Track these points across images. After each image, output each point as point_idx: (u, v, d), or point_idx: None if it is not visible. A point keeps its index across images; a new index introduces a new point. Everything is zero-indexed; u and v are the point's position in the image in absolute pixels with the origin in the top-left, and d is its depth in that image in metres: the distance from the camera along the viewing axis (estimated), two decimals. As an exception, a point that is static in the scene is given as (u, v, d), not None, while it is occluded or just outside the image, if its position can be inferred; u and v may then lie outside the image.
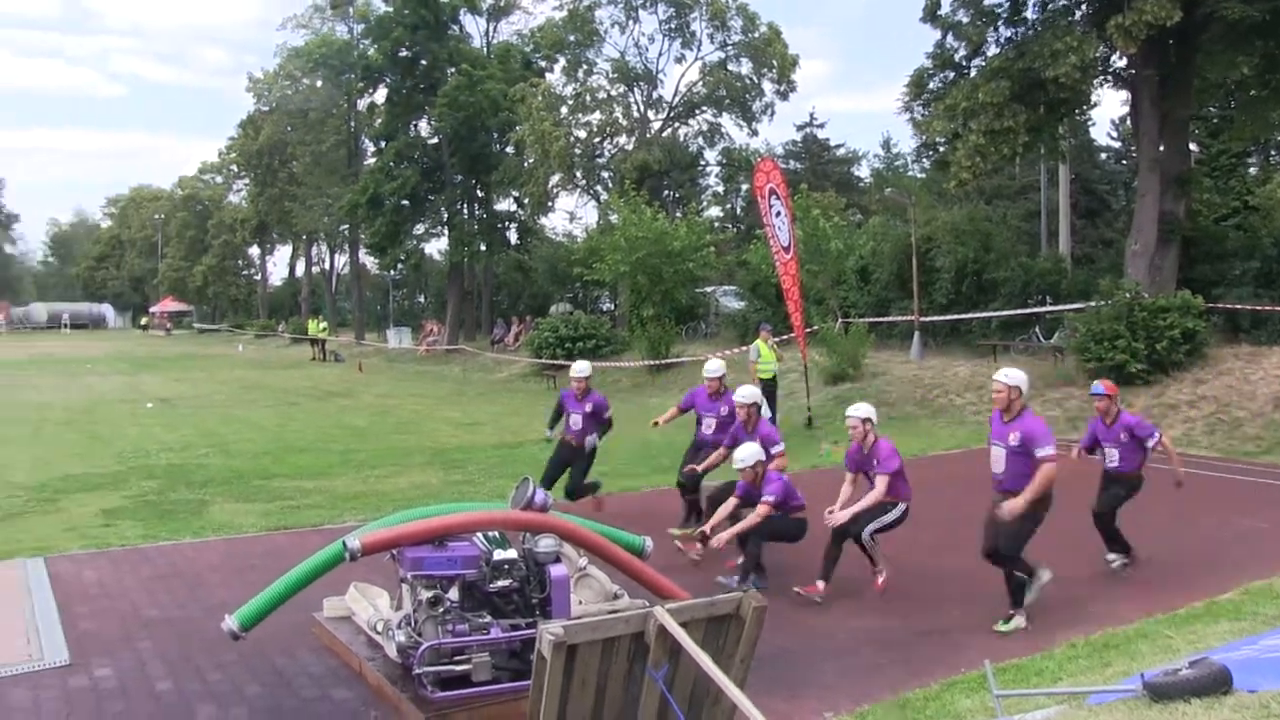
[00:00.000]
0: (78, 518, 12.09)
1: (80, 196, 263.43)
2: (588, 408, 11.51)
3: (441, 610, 6.55)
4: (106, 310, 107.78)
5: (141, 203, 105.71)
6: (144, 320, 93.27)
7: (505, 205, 50.15)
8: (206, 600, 8.42)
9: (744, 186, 45.60)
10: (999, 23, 22.10)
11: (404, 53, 45.63)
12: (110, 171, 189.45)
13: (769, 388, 18.74)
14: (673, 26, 40.13)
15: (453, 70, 44.43)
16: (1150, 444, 9.27)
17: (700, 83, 40.82)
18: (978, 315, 24.59)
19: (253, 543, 10.73)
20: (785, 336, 23.49)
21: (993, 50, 22.12)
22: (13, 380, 33.89)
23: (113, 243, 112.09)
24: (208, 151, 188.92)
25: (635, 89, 41.15)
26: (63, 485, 14.26)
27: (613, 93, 41.07)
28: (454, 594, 6.70)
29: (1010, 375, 8.12)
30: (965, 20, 22.32)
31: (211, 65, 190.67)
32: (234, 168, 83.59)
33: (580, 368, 11.68)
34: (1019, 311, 23.93)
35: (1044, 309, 23.98)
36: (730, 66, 40.52)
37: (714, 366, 11.47)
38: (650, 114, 41.41)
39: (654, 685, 5.06)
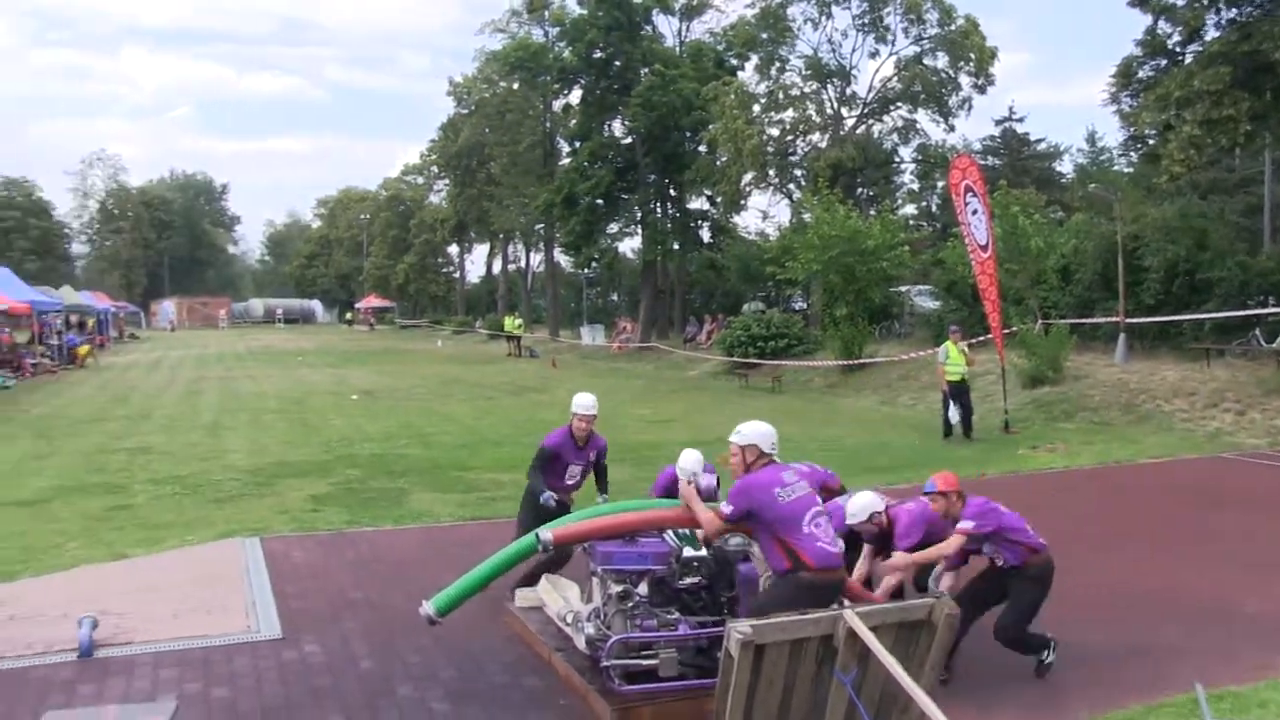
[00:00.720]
0: (289, 502, 12.80)
1: (293, 198, 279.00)
2: (591, 455, 8.83)
3: (630, 605, 6.63)
4: (316, 306, 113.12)
5: (349, 204, 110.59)
6: (349, 316, 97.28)
7: (698, 204, 50.43)
8: (405, 585, 8.75)
9: (940, 184, 44.42)
10: (1220, 4, 20.85)
11: (598, 54, 46.33)
12: (320, 174, 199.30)
13: (958, 390, 18.32)
14: (866, 21, 39.41)
15: (646, 70, 44.90)
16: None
17: (895, 78, 39.97)
18: (1190, 317, 23.28)
19: (449, 531, 11.10)
20: (982, 337, 22.86)
21: (1211, 34, 20.91)
22: (232, 372, 35.96)
23: (322, 242, 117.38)
24: (410, 154, 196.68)
25: (828, 86, 40.66)
26: (276, 471, 15.11)
27: (805, 90, 40.67)
28: (643, 589, 6.77)
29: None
30: (1180, 3, 21.18)
31: (414, 70, 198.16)
32: (435, 169, 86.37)
33: (587, 403, 8.71)
34: (1237, 313, 22.52)
35: (1266, 311, 22.53)
36: (926, 61, 39.51)
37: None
38: (844, 111, 40.86)
39: (842, 689, 5.02)
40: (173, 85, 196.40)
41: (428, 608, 6.68)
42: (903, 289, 34.78)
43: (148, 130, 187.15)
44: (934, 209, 48.68)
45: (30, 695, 6.52)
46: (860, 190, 42.83)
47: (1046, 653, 6.76)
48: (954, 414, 18.34)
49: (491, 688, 6.70)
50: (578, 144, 49.82)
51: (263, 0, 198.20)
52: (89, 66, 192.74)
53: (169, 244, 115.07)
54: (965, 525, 6.78)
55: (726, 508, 6.14)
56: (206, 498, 13.26)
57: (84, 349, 42.47)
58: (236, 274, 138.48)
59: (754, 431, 6.40)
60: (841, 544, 6.34)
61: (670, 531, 7.13)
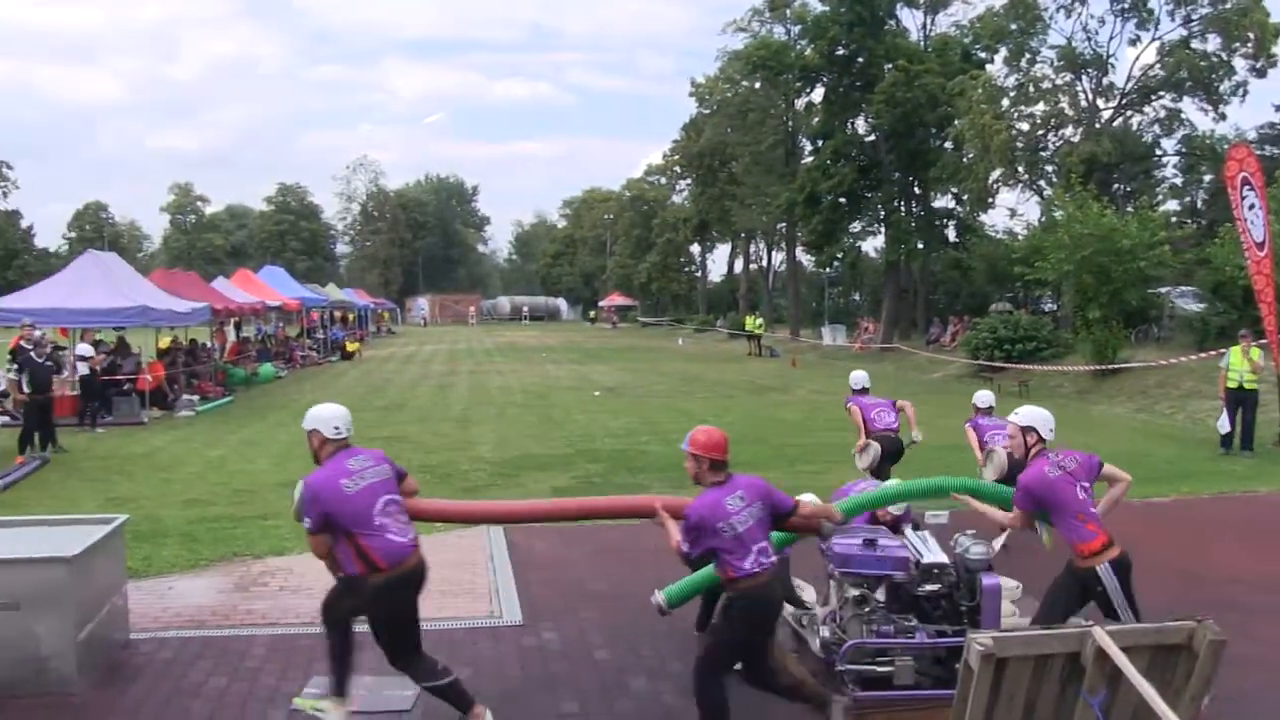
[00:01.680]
0: (532, 493, 13.26)
1: (539, 199, 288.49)
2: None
3: (867, 609, 6.58)
4: (561, 304, 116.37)
5: (593, 204, 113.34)
6: (593, 314, 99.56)
7: (943, 202, 49.11)
8: (642, 578, 8.89)
9: (1207, 177, 41.73)
10: None
11: (841, 51, 45.85)
12: (565, 175, 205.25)
13: (1238, 397, 17.12)
14: (1126, 6, 37.28)
15: (890, 66, 44.07)
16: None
17: (1157, 65, 37.64)
18: None
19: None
20: (1260, 342, 21.34)
21: None
22: (480, 366, 37.43)
23: (567, 241, 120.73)
24: (653, 154, 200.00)
25: (1083, 76, 38.77)
26: (521, 463, 15.69)
27: (1058, 81, 38.92)
28: (881, 594, 6.70)
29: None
30: None
31: (657, 72, 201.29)
32: (677, 169, 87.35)
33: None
34: None
35: None
36: (1194, 44, 37.04)
37: None
38: (1099, 102, 38.87)
39: (1089, 711, 4.80)
40: (429, 93, 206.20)
41: (659, 597, 6.80)
42: (1162, 290, 32.80)
43: (405, 136, 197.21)
44: (1199, 204, 45.61)
45: (300, 660, 7.11)
46: (1116, 186, 40.62)
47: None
48: (1223, 423, 17.21)
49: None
50: (820, 142, 49.42)
51: (513, 9, 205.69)
52: (353, 79, 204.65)
53: (423, 243, 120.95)
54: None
55: None
56: (455, 486, 13.91)
57: (354, 344, 45.20)
58: (485, 272, 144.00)
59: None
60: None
61: (911, 536, 7.02)
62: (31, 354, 17.31)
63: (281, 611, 8.22)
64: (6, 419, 19.03)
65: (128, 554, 8.11)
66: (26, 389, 17.03)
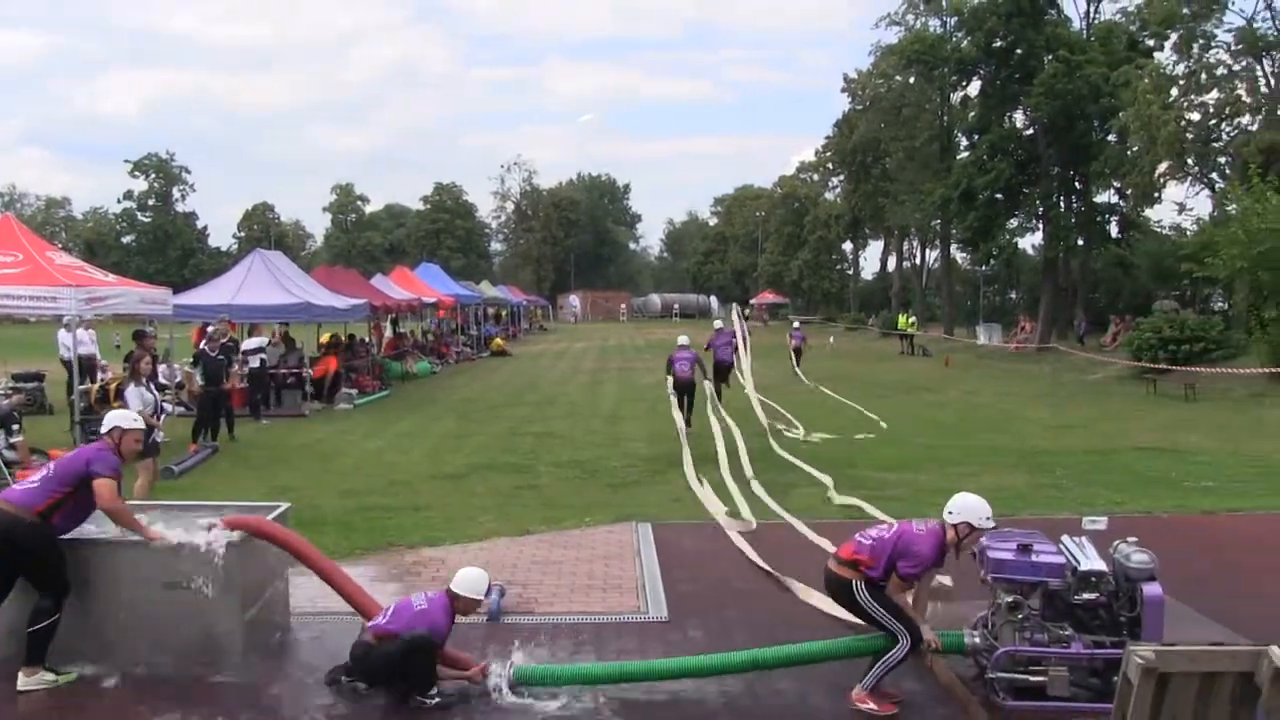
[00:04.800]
0: (681, 491, 13.24)
1: (692, 197, 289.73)
2: None
3: (1021, 616, 6.39)
4: (711, 301, 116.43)
5: (744, 201, 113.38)
6: (745, 313, 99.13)
7: (1105, 197, 47.40)
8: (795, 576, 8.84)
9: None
10: None
11: (998, 42, 44.61)
12: (717, 173, 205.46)
13: None
14: (1317, -20, 35.33)
15: (1050, 57, 42.66)
16: None
17: (1350, 45, 35.51)
18: None
19: (835, 528, 10.84)
20: None
21: None
22: (631, 363, 37.70)
23: (718, 238, 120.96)
24: (805, 151, 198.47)
25: (1265, 60, 36.81)
26: (671, 459, 15.58)
27: (1235, 67, 37.07)
28: (1035, 601, 6.50)
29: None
30: None
31: (811, 67, 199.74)
32: (829, 165, 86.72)
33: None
34: None
35: None
36: (1393, 21, 34.67)
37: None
38: (1281, 88, 36.94)
39: (1264, 735, 4.55)
40: (584, 93, 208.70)
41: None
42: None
43: (560, 135, 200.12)
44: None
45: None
46: (1300, 177, 38.54)
47: None
48: None
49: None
50: (976, 137, 48.19)
51: (671, 6, 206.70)
52: (516, 79, 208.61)
53: (575, 241, 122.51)
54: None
55: None
56: (604, 482, 14.10)
57: (500, 341, 46.04)
58: (636, 270, 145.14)
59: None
60: None
61: (1068, 542, 6.79)
62: (204, 348, 18.17)
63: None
64: (183, 409, 19.94)
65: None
66: (200, 381, 17.96)
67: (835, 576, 6.49)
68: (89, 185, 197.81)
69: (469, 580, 6.55)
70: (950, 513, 6.33)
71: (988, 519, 6.28)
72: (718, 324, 24.34)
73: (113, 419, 7.29)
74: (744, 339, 21.47)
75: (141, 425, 7.53)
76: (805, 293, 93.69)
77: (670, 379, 18.90)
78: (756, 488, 13.01)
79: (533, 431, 19.43)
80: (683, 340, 19.81)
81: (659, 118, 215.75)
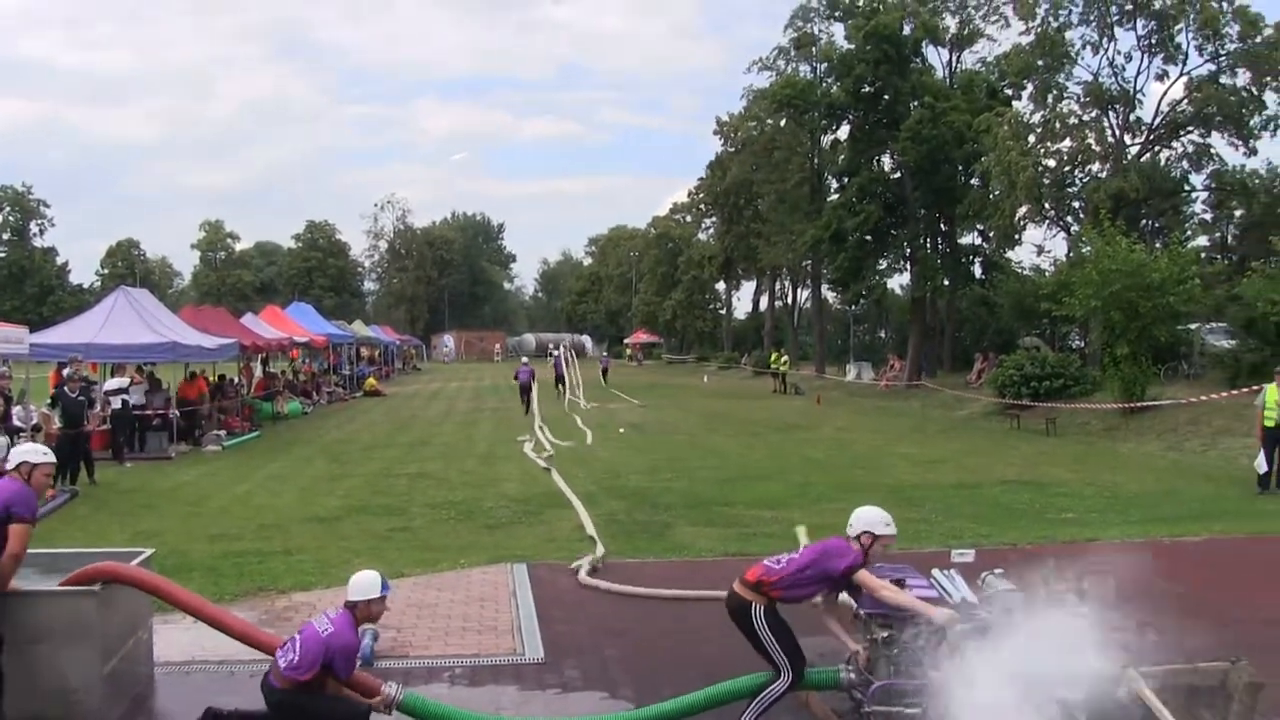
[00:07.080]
0: (557, 531, 13.26)
1: (566, 237, 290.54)
2: None
3: (896, 651, 6.46)
4: (586, 340, 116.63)
5: (618, 241, 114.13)
6: (626, 351, 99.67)
7: (969, 239, 49.04)
8: (666, 617, 8.87)
9: (1238, 212, 41.56)
10: None
11: (867, 88, 45.87)
12: (591, 213, 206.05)
13: (1276, 435, 16.82)
14: (1153, 41, 37.16)
15: (916, 103, 44.13)
16: None
17: (1186, 100, 37.53)
18: None
19: (711, 566, 11.05)
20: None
21: None
22: (506, 403, 37.40)
23: (593, 278, 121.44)
24: (678, 192, 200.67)
25: (1110, 112, 38.60)
26: (545, 501, 15.63)
27: (1085, 117, 38.78)
28: (909, 635, 6.58)
29: None
30: None
31: (683, 111, 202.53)
32: (702, 206, 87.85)
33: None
34: None
35: None
36: (1223, 79, 36.88)
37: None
38: (1126, 138, 38.66)
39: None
40: (457, 131, 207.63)
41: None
42: (1192, 326, 32.46)
43: (433, 174, 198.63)
44: (1229, 239, 45.25)
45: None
46: (1145, 222, 40.30)
47: None
48: (1260, 463, 16.92)
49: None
50: (846, 179, 49.37)
51: (544, 47, 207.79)
52: (384, 117, 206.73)
53: (449, 280, 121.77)
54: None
55: None
56: (479, 523, 13.96)
57: (373, 381, 45.40)
58: (511, 309, 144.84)
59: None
60: None
61: (939, 576, 6.93)
62: (64, 388, 17.52)
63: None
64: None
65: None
66: (59, 423, 17.27)
67: (737, 598, 6.47)
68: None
69: (362, 584, 6.28)
70: (850, 526, 6.40)
71: (887, 525, 6.36)
72: (555, 353, 36.16)
73: (21, 453, 6.86)
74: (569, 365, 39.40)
75: (52, 459, 6.99)
76: (679, 332, 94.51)
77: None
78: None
79: (407, 473, 19.14)
80: (524, 360, 26.43)
81: (532, 157, 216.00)
